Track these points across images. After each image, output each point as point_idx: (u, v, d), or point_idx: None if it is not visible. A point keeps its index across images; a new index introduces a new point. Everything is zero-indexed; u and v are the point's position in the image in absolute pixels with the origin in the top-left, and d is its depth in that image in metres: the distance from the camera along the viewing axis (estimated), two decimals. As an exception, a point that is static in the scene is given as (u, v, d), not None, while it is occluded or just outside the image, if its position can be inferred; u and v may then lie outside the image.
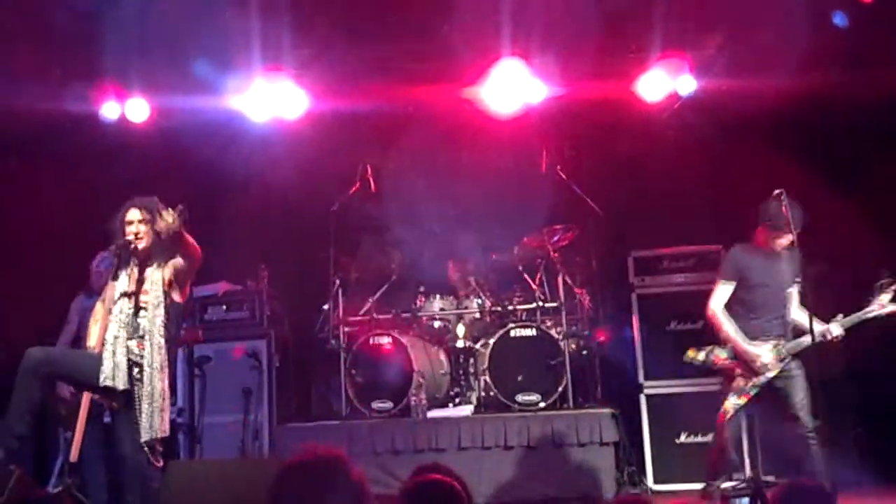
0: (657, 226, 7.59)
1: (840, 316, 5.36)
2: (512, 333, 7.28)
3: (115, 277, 5.03)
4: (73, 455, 5.32)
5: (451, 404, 7.46)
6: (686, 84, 7.14)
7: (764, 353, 5.37)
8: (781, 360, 5.37)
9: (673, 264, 7.29)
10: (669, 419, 7.06)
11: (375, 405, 7.26)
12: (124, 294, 4.96)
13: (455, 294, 7.82)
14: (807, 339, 5.29)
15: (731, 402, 5.46)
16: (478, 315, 7.69)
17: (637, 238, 7.55)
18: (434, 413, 7.19)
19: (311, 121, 7.61)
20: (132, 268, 5.01)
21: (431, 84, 7.26)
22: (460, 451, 6.83)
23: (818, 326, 5.31)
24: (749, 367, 5.40)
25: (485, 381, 7.29)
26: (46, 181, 7.46)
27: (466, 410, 7.26)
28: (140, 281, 4.98)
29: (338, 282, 7.78)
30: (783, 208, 5.29)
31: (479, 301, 7.70)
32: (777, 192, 5.34)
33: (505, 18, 6.68)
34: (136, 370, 4.90)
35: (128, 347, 4.89)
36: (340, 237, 7.89)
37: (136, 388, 4.88)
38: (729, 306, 5.57)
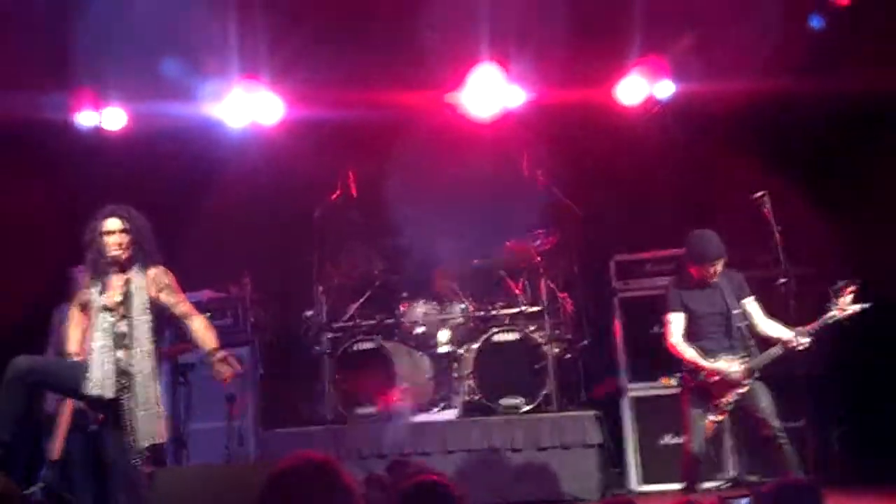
0: (639, 229, 7.62)
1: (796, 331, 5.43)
2: (495, 338, 7.29)
3: (98, 289, 4.93)
4: (55, 453, 5.26)
5: (435, 409, 7.46)
6: (664, 88, 7.19)
7: (733, 366, 5.47)
8: (752, 375, 5.46)
9: (655, 267, 7.32)
10: (653, 421, 7.08)
11: (360, 410, 7.25)
12: (106, 305, 4.90)
13: (438, 299, 7.82)
14: (776, 351, 5.42)
15: (710, 418, 5.55)
16: (461, 320, 7.70)
17: (619, 241, 7.58)
18: (419, 418, 7.19)
19: (289, 127, 7.61)
20: (113, 276, 4.93)
21: (410, 90, 7.28)
22: (446, 455, 6.85)
23: (786, 335, 5.42)
24: (722, 383, 5.48)
25: (469, 385, 7.29)
26: (22, 189, 7.39)
27: (451, 415, 7.27)
28: (124, 290, 4.91)
29: (321, 288, 7.75)
30: (700, 244, 5.51)
31: (463, 306, 7.71)
32: (694, 232, 5.56)
33: (483, 24, 6.72)
34: (123, 379, 4.84)
35: (116, 356, 4.84)
36: (323, 243, 7.88)
37: (124, 396, 4.83)
38: None
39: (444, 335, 7.63)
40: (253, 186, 7.98)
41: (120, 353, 4.86)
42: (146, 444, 4.82)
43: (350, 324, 7.78)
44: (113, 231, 4.90)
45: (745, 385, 5.45)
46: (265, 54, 7.06)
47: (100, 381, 4.78)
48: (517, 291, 7.67)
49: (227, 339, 7.38)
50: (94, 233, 4.92)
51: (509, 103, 7.31)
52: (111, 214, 4.94)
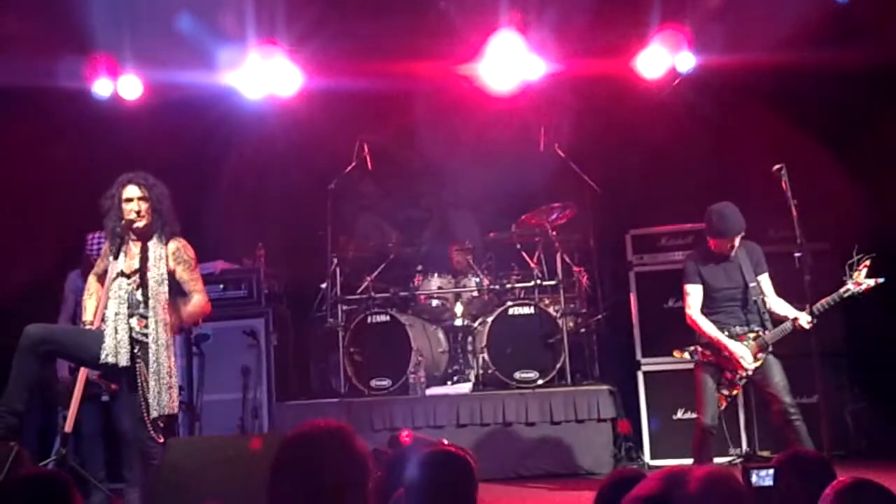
0: (655, 203, 7.56)
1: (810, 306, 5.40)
2: (510, 311, 7.28)
3: (115, 256, 4.92)
4: (68, 426, 5.29)
5: (449, 382, 7.47)
6: (685, 60, 7.09)
7: (746, 352, 5.47)
8: (764, 350, 5.46)
9: (671, 242, 7.27)
10: (667, 396, 7.06)
11: (374, 383, 7.27)
12: (123, 272, 4.89)
13: (453, 273, 7.81)
14: (787, 327, 5.46)
15: (723, 394, 5.59)
16: (476, 293, 7.69)
17: (635, 215, 7.53)
18: (433, 391, 7.20)
19: (306, 98, 7.55)
20: (131, 245, 4.92)
21: (428, 60, 7.20)
22: (459, 428, 6.88)
23: (793, 313, 5.47)
24: (733, 359, 5.50)
25: (483, 358, 7.29)
26: (38, 156, 7.41)
27: (465, 388, 7.28)
28: (142, 258, 4.90)
29: (336, 260, 7.75)
30: (720, 219, 5.51)
31: (477, 279, 7.69)
32: (715, 205, 5.57)
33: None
34: (136, 348, 4.85)
35: (129, 325, 4.84)
36: (338, 215, 7.88)
37: (137, 365, 4.83)
38: None
39: (458, 308, 7.63)
40: (268, 157, 7.96)
41: (134, 322, 4.85)
42: (155, 415, 4.80)
43: (364, 296, 7.78)
44: (132, 198, 4.90)
45: (758, 360, 5.44)
46: (283, 23, 6.99)
47: (113, 349, 4.78)
48: (532, 265, 7.64)
49: (240, 310, 7.48)
50: (112, 200, 4.92)
51: (527, 75, 7.22)
52: (130, 182, 4.94)
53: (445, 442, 4.79)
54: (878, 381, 6.81)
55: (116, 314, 4.83)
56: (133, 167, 7.11)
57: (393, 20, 7.06)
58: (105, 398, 6.45)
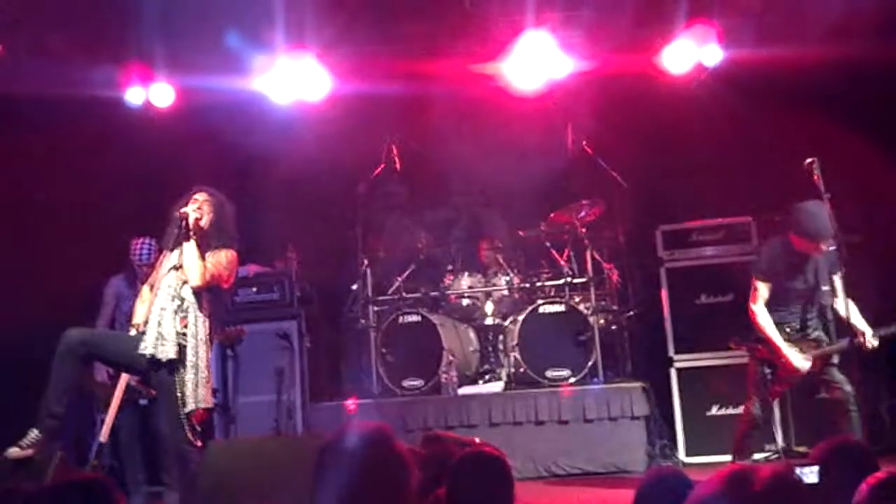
0: (685, 199, 7.52)
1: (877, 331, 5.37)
2: (541, 310, 7.28)
3: (171, 249, 5.06)
4: (104, 435, 5.37)
5: (481, 381, 7.49)
6: (712, 54, 7.05)
7: (801, 360, 5.41)
8: (824, 361, 5.40)
9: (702, 237, 7.24)
10: (700, 392, 7.04)
11: (406, 383, 7.30)
12: (174, 267, 5.00)
13: (483, 271, 7.83)
14: (844, 344, 5.39)
15: (776, 390, 5.56)
16: (506, 292, 7.70)
17: (665, 211, 7.50)
18: (465, 390, 7.22)
19: (335, 101, 7.60)
20: (186, 242, 4.98)
21: (455, 60, 7.22)
22: (491, 427, 6.89)
23: (859, 327, 5.39)
24: (788, 367, 5.44)
25: (514, 357, 7.30)
26: (71, 164, 7.51)
27: (497, 387, 7.29)
28: (197, 259, 4.96)
29: (366, 261, 7.80)
30: (813, 220, 5.33)
31: (508, 278, 7.70)
32: (806, 204, 5.37)
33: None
34: (177, 342, 4.88)
35: (172, 319, 4.89)
36: (367, 217, 7.93)
37: (176, 359, 4.86)
38: None
39: (489, 307, 7.64)
40: (298, 161, 8.00)
41: (177, 318, 4.91)
42: (191, 409, 4.83)
43: (395, 297, 7.82)
44: (198, 199, 5.09)
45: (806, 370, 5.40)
46: (312, 27, 7.04)
47: (153, 342, 4.85)
48: (563, 262, 7.64)
49: (273, 312, 7.55)
50: (180, 206, 5.04)
51: (555, 73, 7.22)
52: (201, 189, 5.15)
53: (478, 441, 4.82)
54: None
55: (162, 309, 4.91)
56: (166, 173, 7.27)
57: (420, 22, 7.09)
58: (143, 402, 6.55)
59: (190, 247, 4.92)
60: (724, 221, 7.21)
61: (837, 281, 5.52)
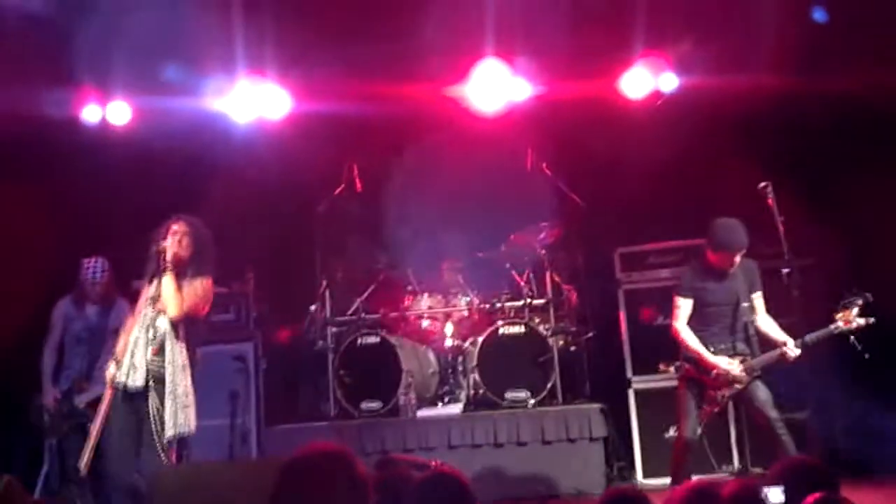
0: (643, 221, 7.60)
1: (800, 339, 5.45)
2: (500, 331, 7.28)
3: (150, 282, 5.16)
4: (84, 466, 5.21)
5: (440, 403, 7.46)
6: (668, 81, 7.17)
7: (733, 366, 5.50)
8: (751, 374, 5.48)
9: (659, 259, 7.30)
10: (657, 414, 7.06)
11: (364, 405, 7.24)
12: (152, 297, 5.12)
13: (443, 293, 7.81)
14: (774, 354, 5.48)
15: (705, 410, 5.62)
16: (466, 313, 7.69)
17: (623, 234, 7.56)
18: (423, 412, 7.18)
19: (294, 121, 7.59)
20: (166, 275, 5.09)
21: (415, 83, 7.24)
22: (450, 450, 6.84)
23: (781, 339, 5.49)
24: (719, 378, 5.52)
25: (474, 378, 7.28)
26: (27, 186, 7.39)
27: (456, 409, 7.26)
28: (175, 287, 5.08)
29: (325, 282, 7.74)
30: (725, 232, 5.49)
31: (467, 299, 7.70)
32: (719, 219, 5.55)
33: (487, 17, 6.69)
34: (153, 370, 5.00)
35: (148, 349, 5.02)
36: (327, 238, 7.88)
37: (148, 392, 4.97)
38: None
39: (449, 328, 7.62)
40: (257, 180, 7.95)
41: (149, 348, 5.03)
42: (170, 435, 4.91)
43: (354, 318, 7.77)
44: (177, 230, 5.19)
45: (742, 383, 5.47)
46: (271, 48, 7.03)
47: (126, 371, 4.99)
48: (522, 284, 7.66)
49: (229, 334, 7.45)
50: (159, 236, 5.16)
51: (514, 97, 7.29)
52: (180, 218, 5.27)
53: (435, 463, 4.79)
54: (870, 398, 6.81)
55: (137, 339, 5.05)
56: (123, 191, 7.18)
57: (380, 44, 7.09)
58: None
59: (167, 280, 5.04)
60: (679, 244, 7.28)
61: (758, 298, 5.64)
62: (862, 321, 5.32)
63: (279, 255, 8.27)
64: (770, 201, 5.61)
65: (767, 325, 5.63)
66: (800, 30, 6.56)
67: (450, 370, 7.65)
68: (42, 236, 7.28)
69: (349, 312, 7.83)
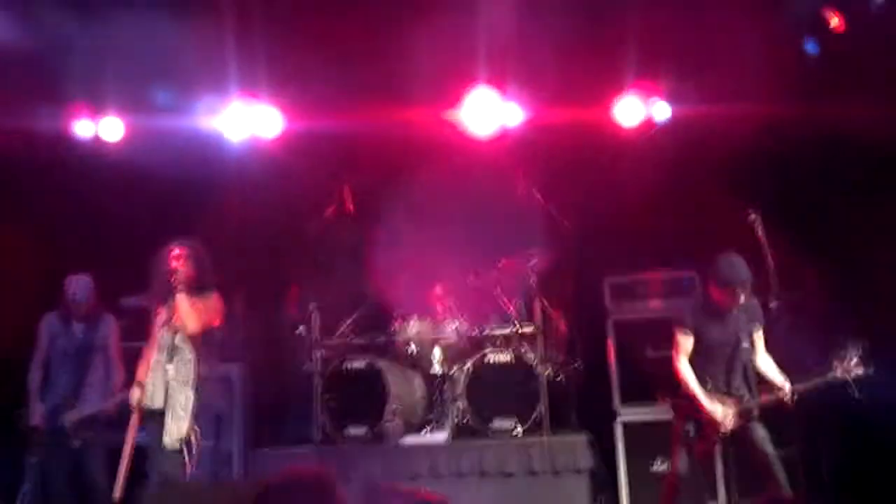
0: (634, 251, 7.59)
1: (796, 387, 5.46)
2: (488, 358, 7.24)
3: (162, 304, 5.58)
4: (118, 493, 5.40)
5: (426, 429, 7.39)
6: (661, 110, 7.21)
7: (727, 413, 5.49)
8: (746, 417, 5.45)
9: (648, 289, 7.30)
10: (644, 447, 7.02)
11: (349, 431, 7.18)
12: (166, 321, 5.54)
13: (432, 318, 7.76)
14: (769, 398, 5.48)
15: (700, 448, 5.61)
16: (454, 339, 7.63)
17: (613, 263, 7.55)
18: (409, 439, 7.12)
19: (287, 141, 7.58)
20: (177, 297, 5.51)
21: (408, 106, 7.24)
22: (436, 479, 6.77)
23: (779, 379, 5.50)
24: (712, 421, 5.51)
25: (461, 405, 7.23)
26: (15, 200, 7.38)
27: (441, 436, 7.20)
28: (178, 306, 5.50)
29: (313, 304, 7.70)
30: (729, 268, 5.46)
31: (456, 325, 7.65)
32: (723, 255, 5.53)
33: (480, 41, 6.72)
34: (168, 389, 5.42)
35: (165, 368, 5.44)
36: (316, 259, 7.85)
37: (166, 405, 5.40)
38: None
39: (436, 354, 7.57)
40: (248, 199, 7.93)
41: (169, 366, 5.45)
42: (167, 445, 5.31)
43: (342, 341, 7.72)
44: (176, 254, 5.62)
45: (736, 424, 5.45)
46: (263, 68, 7.04)
47: (151, 394, 5.40)
48: (511, 311, 7.63)
49: (217, 352, 7.36)
50: (161, 261, 5.61)
51: (507, 121, 7.32)
52: (178, 243, 5.69)
53: (423, 490, 4.74)
54: (858, 437, 6.78)
55: (157, 360, 5.46)
56: (113, 207, 7.18)
57: (373, 67, 7.10)
58: (77, 443, 6.35)
59: (181, 299, 5.48)
60: (669, 275, 7.28)
61: (758, 337, 5.62)
62: (861, 371, 5.30)
63: (268, 276, 8.23)
64: (759, 234, 5.61)
65: (766, 365, 5.61)
66: (791, 61, 6.60)
67: (437, 396, 7.58)
68: (31, 251, 7.25)
69: (337, 335, 7.77)
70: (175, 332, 5.51)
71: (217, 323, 5.69)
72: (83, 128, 7.42)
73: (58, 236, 7.47)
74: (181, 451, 5.34)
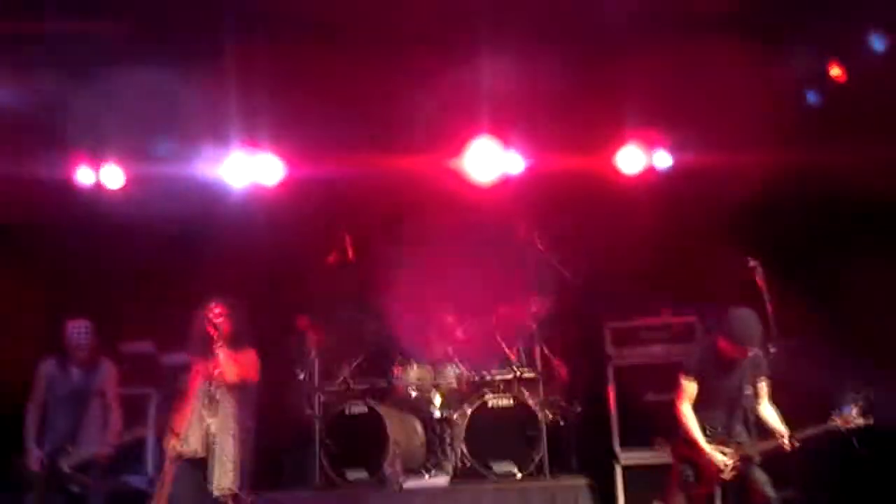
0: (635, 296, 7.62)
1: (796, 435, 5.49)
2: (489, 403, 7.24)
3: (203, 357, 5.91)
4: None
5: (426, 473, 7.37)
6: (662, 159, 7.28)
7: (725, 459, 5.49)
8: (746, 461, 5.47)
9: (649, 335, 7.33)
10: (645, 490, 6.98)
11: (350, 475, 7.16)
12: (207, 375, 5.87)
13: (432, 363, 7.77)
14: (769, 445, 5.50)
15: (698, 492, 5.60)
16: (455, 384, 7.64)
17: (614, 309, 7.58)
18: (410, 483, 7.10)
19: (289, 188, 7.63)
20: (218, 351, 5.86)
21: (410, 154, 7.31)
22: (437, 523, 6.76)
23: (780, 428, 5.52)
24: (711, 466, 5.52)
25: (461, 450, 7.22)
26: (16, 245, 7.41)
27: (442, 480, 7.19)
28: (220, 363, 5.86)
29: (314, 350, 7.70)
30: (742, 326, 5.47)
31: (457, 370, 7.66)
32: (737, 310, 5.52)
33: (482, 90, 6.79)
34: (209, 438, 5.75)
35: (205, 418, 5.78)
36: (317, 304, 7.86)
37: (208, 454, 5.72)
38: None
39: (437, 399, 7.57)
40: (249, 247, 7.96)
41: (211, 419, 5.78)
42: (216, 494, 5.63)
43: (342, 387, 7.72)
44: (221, 312, 5.96)
45: (735, 469, 5.45)
46: (265, 116, 7.12)
47: (189, 441, 5.72)
48: (512, 356, 7.64)
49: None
50: (201, 316, 5.94)
51: (508, 169, 7.39)
52: (218, 302, 6.02)
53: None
54: (856, 476, 6.77)
55: (196, 410, 5.81)
56: (114, 253, 7.21)
57: (374, 116, 7.17)
58: (76, 490, 6.33)
59: (222, 353, 5.85)
60: (669, 320, 7.31)
61: (763, 385, 5.64)
62: (861, 421, 5.32)
63: (269, 321, 8.22)
64: (759, 280, 5.64)
65: (769, 413, 5.64)
66: (792, 111, 6.68)
67: (437, 441, 7.57)
68: (32, 297, 7.27)
69: (338, 381, 7.77)
70: (215, 386, 5.85)
71: (254, 378, 6.02)
72: (84, 175, 7.48)
73: (59, 283, 7.48)
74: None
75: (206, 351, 5.90)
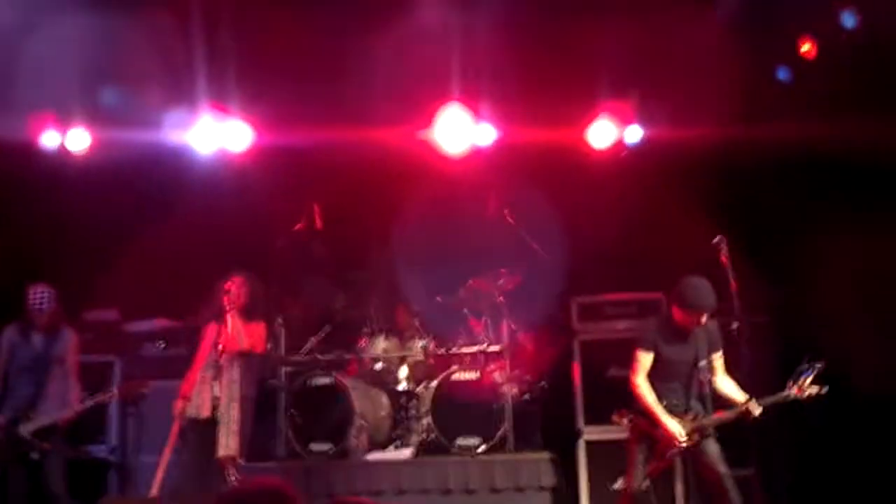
0: (601, 271, 7.64)
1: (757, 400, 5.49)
2: (455, 377, 7.23)
3: (214, 322, 6.24)
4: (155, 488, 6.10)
5: (391, 446, 7.36)
6: (633, 133, 7.28)
7: (681, 428, 5.50)
8: (701, 433, 5.48)
9: (615, 310, 7.32)
10: (607, 465, 7.02)
11: (314, 446, 7.13)
12: (216, 342, 6.18)
13: (399, 336, 7.75)
14: (728, 416, 5.51)
15: (654, 465, 5.62)
16: (421, 357, 7.63)
17: (581, 283, 7.59)
18: (373, 455, 7.09)
19: (257, 156, 7.57)
20: (228, 318, 6.18)
21: (380, 124, 7.27)
22: (399, 495, 6.75)
23: (740, 397, 5.52)
24: (667, 437, 5.53)
25: (426, 423, 7.22)
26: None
27: (406, 453, 7.19)
28: (227, 329, 6.16)
29: (280, 320, 7.66)
30: (695, 292, 5.47)
31: (423, 343, 7.65)
32: (689, 278, 5.53)
33: (453, 62, 6.77)
34: (215, 402, 6.07)
35: (211, 384, 6.10)
36: (284, 274, 7.81)
37: (214, 421, 6.03)
38: None
39: (403, 372, 7.56)
40: (216, 213, 7.88)
41: (216, 383, 6.09)
42: (221, 454, 5.92)
43: (308, 358, 7.68)
44: (236, 282, 6.30)
45: (692, 440, 5.48)
46: (234, 82, 7.05)
47: (197, 406, 6.06)
48: (479, 330, 7.64)
49: (181, 369, 7.30)
50: (220, 288, 6.26)
51: (478, 141, 7.36)
52: (237, 274, 6.38)
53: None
54: (816, 455, 6.84)
55: (202, 377, 6.13)
56: (79, 219, 7.13)
57: (345, 84, 7.12)
58: (35, 456, 6.27)
59: (233, 320, 6.16)
60: (637, 296, 7.32)
61: (718, 358, 5.66)
62: (815, 389, 5.37)
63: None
64: (723, 257, 5.67)
65: (726, 385, 5.65)
66: (763, 85, 6.70)
67: (402, 414, 7.56)
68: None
69: (304, 352, 7.73)
70: (222, 353, 6.12)
71: (259, 349, 6.32)
72: (49, 138, 7.36)
73: (22, 248, 7.38)
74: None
75: (219, 319, 6.20)
